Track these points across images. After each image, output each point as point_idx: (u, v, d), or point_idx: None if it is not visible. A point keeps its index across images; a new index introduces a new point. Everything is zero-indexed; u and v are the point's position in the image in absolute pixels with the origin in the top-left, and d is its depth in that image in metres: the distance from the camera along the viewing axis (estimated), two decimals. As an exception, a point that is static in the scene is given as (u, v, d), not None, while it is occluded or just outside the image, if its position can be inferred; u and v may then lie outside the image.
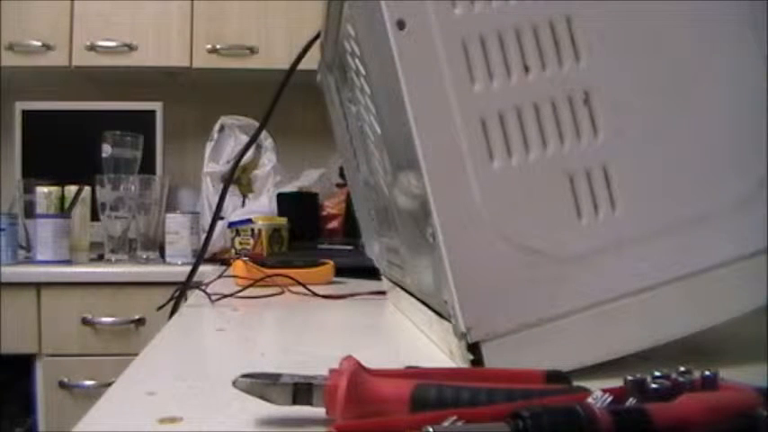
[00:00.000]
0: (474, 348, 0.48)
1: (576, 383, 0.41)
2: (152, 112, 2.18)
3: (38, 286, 1.79)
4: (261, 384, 0.38)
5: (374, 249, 0.97)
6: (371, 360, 0.40)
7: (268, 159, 2.16)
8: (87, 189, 1.95)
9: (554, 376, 0.41)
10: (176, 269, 1.75)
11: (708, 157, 0.50)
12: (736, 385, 0.35)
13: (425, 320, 0.65)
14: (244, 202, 2.12)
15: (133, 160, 2.02)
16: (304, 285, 1.07)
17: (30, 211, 1.94)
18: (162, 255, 1.93)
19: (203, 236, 1.38)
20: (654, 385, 0.34)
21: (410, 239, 0.62)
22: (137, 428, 0.40)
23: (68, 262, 1.87)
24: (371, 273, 1.04)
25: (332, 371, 0.38)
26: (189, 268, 1.02)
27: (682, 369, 0.35)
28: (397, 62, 0.47)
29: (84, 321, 1.80)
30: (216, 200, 1.86)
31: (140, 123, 2.12)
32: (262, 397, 0.38)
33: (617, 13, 0.50)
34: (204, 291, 1.03)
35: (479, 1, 0.48)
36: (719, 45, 0.51)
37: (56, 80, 2.25)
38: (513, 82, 0.48)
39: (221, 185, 1.63)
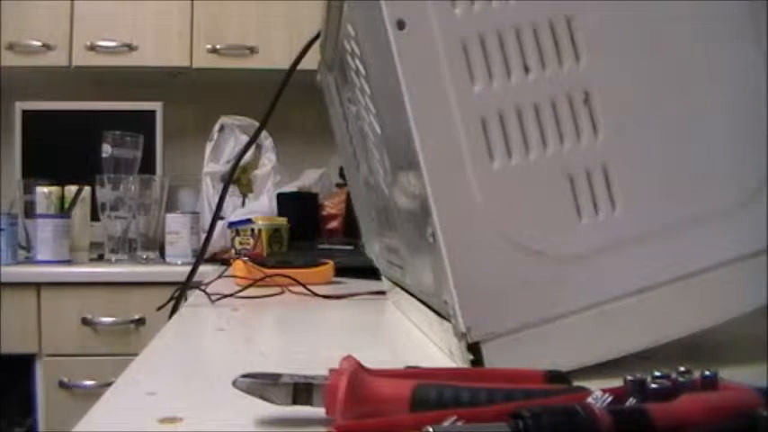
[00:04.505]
0: (474, 348, 0.48)
1: (576, 383, 0.41)
2: (152, 112, 2.18)
3: (38, 286, 1.79)
4: (261, 384, 0.38)
5: (374, 249, 0.97)
6: (371, 360, 0.40)
7: (268, 159, 2.16)
8: (87, 189, 1.95)
9: (554, 376, 0.41)
10: (176, 269, 1.75)
11: (708, 157, 0.50)
12: (736, 385, 0.35)
13: (425, 320, 0.65)
14: (244, 202, 2.12)
15: (133, 160, 2.02)
16: (304, 285, 1.07)
17: (30, 211, 1.94)
18: (162, 255, 1.93)
19: (203, 236, 1.38)
20: (654, 385, 0.34)
21: (410, 239, 0.62)
22: (137, 428, 0.40)
23: (68, 262, 1.87)
24: (371, 273, 1.04)
25: (332, 371, 0.38)
26: (189, 268, 1.02)
27: (682, 369, 0.35)
28: (397, 62, 0.47)
29: (84, 321, 1.80)
30: (216, 200, 1.86)
31: (140, 123, 2.12)
32: (262, 397, 0.38)
33: (617, 13, 0.50)
34: (204, 291, 1.03)
35: (479, 1, 0.48)
36: (719, 45, 0.51)
37: (56, 80, 2.24)
38: (513, 82, 0.48)
39: (221, 185, 1.63)
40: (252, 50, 2.13)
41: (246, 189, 2.17)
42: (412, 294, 0.71)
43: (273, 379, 0.39)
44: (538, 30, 0.49)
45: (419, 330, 0.70)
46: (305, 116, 2.23)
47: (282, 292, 1.06)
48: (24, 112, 2.15)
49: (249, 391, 0.38)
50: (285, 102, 0.93)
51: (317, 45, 0.86)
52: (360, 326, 0.85)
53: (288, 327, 0.86)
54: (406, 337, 0.71)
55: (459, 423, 0.31)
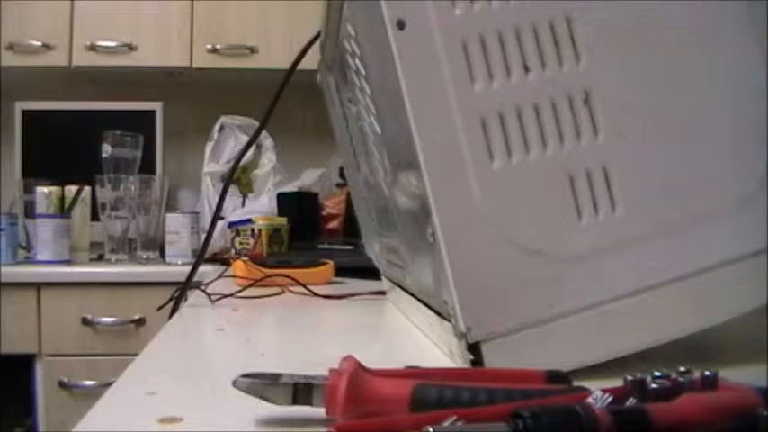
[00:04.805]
0: (474, 348, 0.48)
1: (576, 383, 0.41)
2: (152, 112, 2.18)
3: (38, 286, 1.79)
4: (261, 384, 0.38)
5: (374, 249, 0.97)
6: (371, 360, 0.40)
7: (268, 159, 2.16)
8: (87, 189, 1.95)
9: (554, 376, 0.41)
10: (176, 269, 1.75)
11: (708, 157, 0.50)
12: (736, 385, 0.35)
13: (425, 320, 0.65)
14: (244, 202, 2.11)
15: (133, 160, 2.02)
16: (304, 285, 1.07)
17: (30, 211, 1.94)
18: (162, 255, 1.93)
19: (203, 236, 1.38)
20: (654, 385, 0.34)
21: (410, 239, 0.62)
22: (137, 428, 0.40)
23: (68, 262, 1.87)
24: (371, 273, 1.04)
25: (332, 371, 0.38)
26: (189, 268, 1.02)
27: (682, 369, 0.35)
28: (397, 62, 0.47)
29: (84, 321, 1.80)
30: (216, 200, 1.86)
31: (140, 123, 2.12)
32: (262, 397, 0.38)
33: (617, 13, 0.50)
34: (204, 291, 1.03)
35: (479, 1, 0.48)
36: (719, 45, 0.51)
37: (56, 80, 2.25)
38: (513, 82, 0.48)
39: (221, 185, 1.63)
40: (252, 50, 2.13)
41: (246, 189, 2.17)
42: (412, 294, 0.71)
43: (273, 379, 0.39)
44: (538, 30, 0.49)
45: (419, 330, 0.70)
46: (305, 116, 2.23)
47: (282, 292, 1.06)
48: (24, 112, 2.15)
49: (249, 391, 0.38)
50: (285, 102, 0.93)
51: (317, 45, 0.86)
52: (360, 326, 0.85)
53: (288, 327, 0.86)
54: (406, 337, 0.71)
55: (459, 423, 0.31)
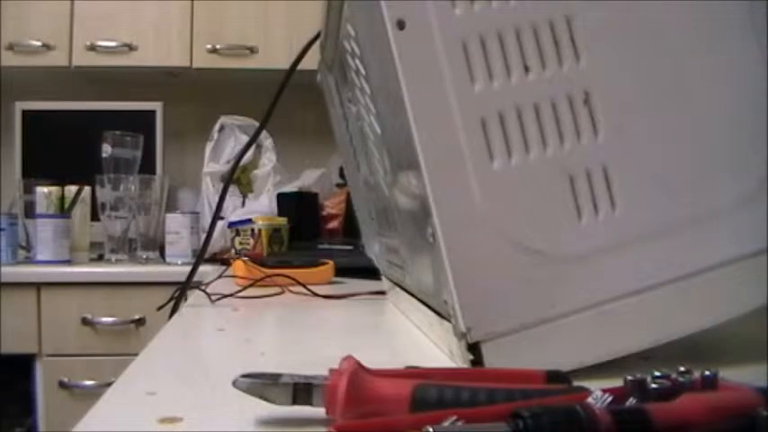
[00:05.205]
0: (474, 348, 0.48)
1: (576, 383, 0.41)
2: (152, 112, 2.18)
3: (38, 286, 1.79)
4: (261, 384, 0.38)
5: (374, 249, 0.97)
6: (371, 360, 0.40)
7: (268, 159, 2.16)
8: (87, 189, 1.95)
9: (554, 376, 0.41)
10: (176, 269, 1.75)
11: (708, 157, 0.51)
12: (736, 385, 0.35)
13: (425, 320, 0.65)
14: (244, 202, 2.11)
15: (133, 160, 2.02)
16: (304, 285, 1.07)
17: (30, 211, 1.94)
18: (162, 255, 1.93)
19: (203, 236, 1.38)
20: (654, 385, 0.34)
21: (410, 239, 0.62)
22: (137, 428, 0.40)
23: (68, 262, 1.87)
24: (371, 273, 1.04)
25: (332, 371, 0.38)
26: (189, 268, 1.02)
27: (682, 369, 0.35)
28: (397, 62, 0.47)
29: (84, 321, 1.80)
30: (216, 200, 1.86)
31: (140, 123, 2.12)
32: (262, 397, 0.38)
33: (617, 13, 0.50)
34: (204, 291, 1.03)
35: (479, 1, 0.48)
36: (719, 45, 0.51)
37: (56, 80, 2.24)
38: (513, 82, 0.48)
39: (221, 185, 1.63)
40: (252, 50, 2.13)
41: (246, 189, 2.17)
42: (412, 294, 0.71)
43: (273, 379, 0.39)
44: (538, 30, 0.49)
45: (419, 330, 0.70)
46: (305, 116, 2.23)
47: (282, 292, 1.06)
48: (24, 112, 2.15)
49: (249, 391, 0.38)
50: (285, 102, 0.93)
51: (317, 45, 0.86)
52: (360, 326, 0.85)
53: (288, 327, 0.86)
54: (406, 337, 0.71)
55: (459, 423, 0.31)
